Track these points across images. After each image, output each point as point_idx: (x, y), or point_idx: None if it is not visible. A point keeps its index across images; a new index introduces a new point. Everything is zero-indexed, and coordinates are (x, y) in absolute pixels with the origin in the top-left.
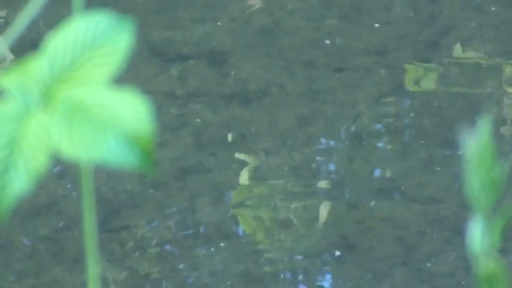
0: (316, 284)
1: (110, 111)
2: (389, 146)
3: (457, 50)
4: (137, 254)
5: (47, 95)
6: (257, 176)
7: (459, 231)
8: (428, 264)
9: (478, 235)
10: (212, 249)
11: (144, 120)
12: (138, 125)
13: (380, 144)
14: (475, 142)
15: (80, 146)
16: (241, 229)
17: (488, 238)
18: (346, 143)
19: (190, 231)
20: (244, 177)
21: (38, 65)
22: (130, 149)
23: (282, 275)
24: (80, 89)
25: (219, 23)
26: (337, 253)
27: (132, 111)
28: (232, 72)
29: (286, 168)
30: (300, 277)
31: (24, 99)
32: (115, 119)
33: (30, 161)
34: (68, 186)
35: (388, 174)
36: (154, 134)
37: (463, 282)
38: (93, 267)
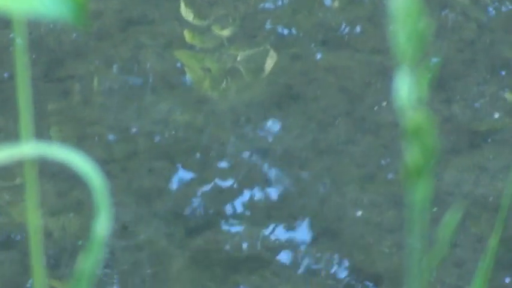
0: (260, 133)
1: None
2: None
3: None
4: (81, 103)
5: None
6: (202, 27)
7: None
8: (372, 114)
9: (404, 87)
10: (157, 98)
11: None
12: None
13: None
14: None
15: None
16: (186, 78)
17: (414, 91)
18: None
19: (135, 81)
20: (189, 29)
21: None
22: (63, 1)
23: (225, 124)
24: None
25: None
26: (282, 102)
27: None
28: None
29: (230, 20)
30: (244, 125)
31: None
32: None
33: None
34: (11, 35)
35: (333, 24)
36: None
37: None
38: (26, 120)
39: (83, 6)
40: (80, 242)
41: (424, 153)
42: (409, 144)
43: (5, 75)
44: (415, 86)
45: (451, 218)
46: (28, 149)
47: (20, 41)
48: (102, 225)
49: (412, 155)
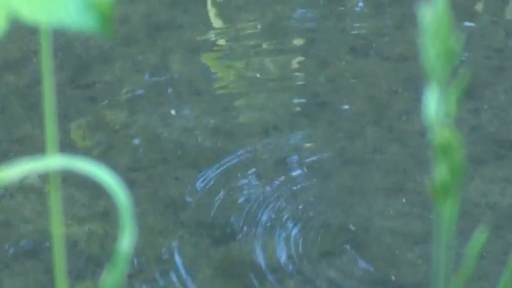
0: (288, 142)
1: None
2: (362, 4)
3: None
4: (108, 110)
5: None
6: (230, 32)
7: None
8: (400, 123)
9: (433, 104)
10: (184, 105)
11: None
12: None
13: (353, 2)
14: (431, 11)
15: (40, 9)
16: (214, 85)
17: (443, 107)
18: (320, 0)
19: (162, 87)
20: (216, 35)
21: None
22: (88, 13)
23: (252, 132)
24: None
25: None
26: (309, 111)
27: None
28: None
29: (259, 26)
30: (271, 134)
31: None
32: None
33: None
34: (40, 40)
35: (362, 32)
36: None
37: None
38: (52, 126)
39: (108, 17)
40: (104, 252)
41: (452, 171)
42: (437, 162)
43: (31, 81)
44: (444, 103)
45: (480, 234)
46: (52, 162)
47: (46, 48)
48: (127, 241)
49: (440, 173)
